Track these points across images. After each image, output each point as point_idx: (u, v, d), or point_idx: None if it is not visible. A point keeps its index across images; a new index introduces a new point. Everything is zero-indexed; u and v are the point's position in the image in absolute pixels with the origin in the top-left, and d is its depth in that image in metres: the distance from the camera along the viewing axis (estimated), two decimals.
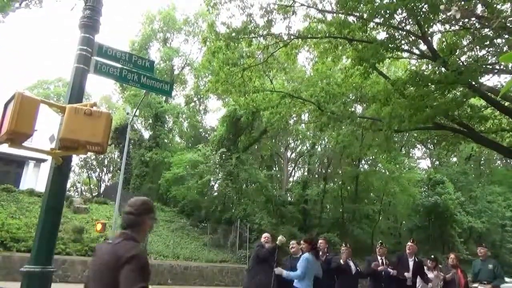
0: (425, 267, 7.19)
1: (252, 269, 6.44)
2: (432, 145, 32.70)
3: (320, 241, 6.99)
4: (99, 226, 13.18)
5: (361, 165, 30.53)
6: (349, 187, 30.03)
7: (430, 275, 7.04)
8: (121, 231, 2.15)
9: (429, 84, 9.57)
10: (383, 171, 28.25)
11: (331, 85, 14.06)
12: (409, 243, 7.19)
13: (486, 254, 7.34)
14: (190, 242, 20.65)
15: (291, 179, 36.88)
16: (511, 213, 30.84)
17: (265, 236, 6.74)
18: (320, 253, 6.82)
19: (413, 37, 10.09)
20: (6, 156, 20.53)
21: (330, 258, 6.81)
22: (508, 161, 33.05)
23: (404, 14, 9.18)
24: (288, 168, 36.55)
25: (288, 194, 31.59)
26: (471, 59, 9.92)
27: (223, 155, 22.77)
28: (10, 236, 13.84)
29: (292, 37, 11.57)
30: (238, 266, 18.67)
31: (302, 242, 6.30)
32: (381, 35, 10.99)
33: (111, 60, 3.92)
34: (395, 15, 9.08)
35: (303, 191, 28.33)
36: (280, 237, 6.27)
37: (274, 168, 36.31)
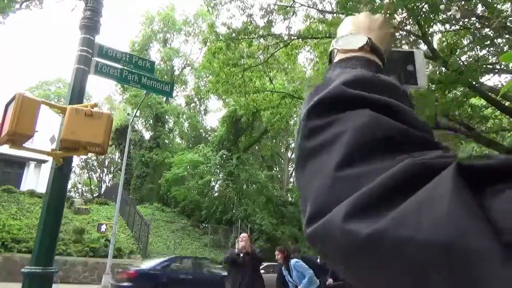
0: None
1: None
2: None
3: None
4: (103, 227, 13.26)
5: None
6: None
7: None
8: None
9: (430, 84, 9.57)
10: None
11: None
12: None
13: None
14: (191, 242, 20.67)
15: (291, 179, 36.88)
16: None
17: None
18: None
19: (413, 37, 10.09)
20: (7, 157, 20.55)
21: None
22: None
23: (404, 14, 9.18)
24: (289, 168, 36.56)
25: (289, 194, 31.59)
26: (471, 59, 9.92)
27: (224, 156, 22.79)
28: (11, 237, 13.86)
29: (292, 37, 11.59)
30: None
31: (276, 252, 6.05)
32: None
33: (111, 61, 3.92)
34: (395, 15, 9.07)
35: None
36: None
37: (275, 169, 36.34)
